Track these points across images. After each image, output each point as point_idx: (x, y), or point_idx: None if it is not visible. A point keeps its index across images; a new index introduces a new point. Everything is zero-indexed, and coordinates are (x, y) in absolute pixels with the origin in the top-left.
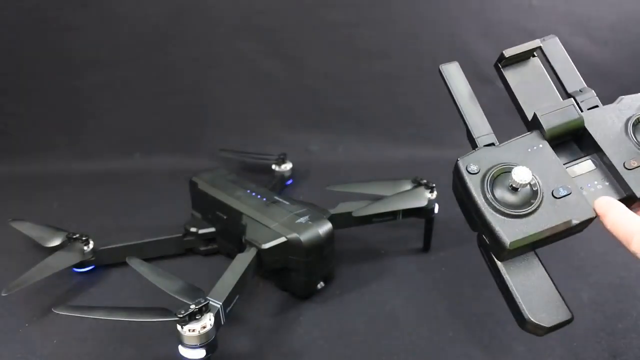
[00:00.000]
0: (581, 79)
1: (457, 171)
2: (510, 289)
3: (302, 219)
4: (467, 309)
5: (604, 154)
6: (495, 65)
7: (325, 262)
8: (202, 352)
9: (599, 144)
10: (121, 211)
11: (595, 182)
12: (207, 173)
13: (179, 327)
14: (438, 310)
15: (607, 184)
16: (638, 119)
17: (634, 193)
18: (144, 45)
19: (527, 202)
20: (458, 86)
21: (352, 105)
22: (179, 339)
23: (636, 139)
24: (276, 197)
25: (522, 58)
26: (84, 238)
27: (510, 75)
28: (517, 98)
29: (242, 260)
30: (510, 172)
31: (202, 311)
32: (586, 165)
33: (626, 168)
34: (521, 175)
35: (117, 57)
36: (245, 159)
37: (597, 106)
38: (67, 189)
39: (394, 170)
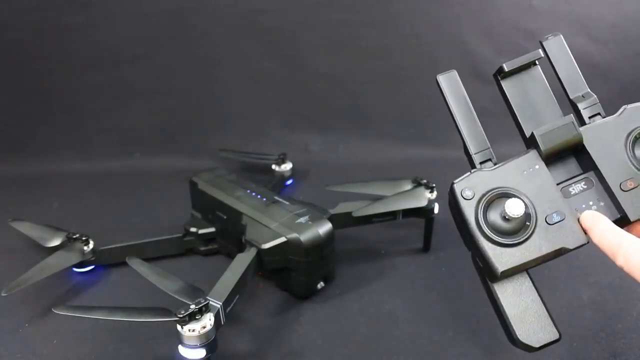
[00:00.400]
0: (584, 82)
1: (452, 195)
2: (502, 309)
3: (302, 219)
4: (467, 309)
5: (602, 175)
6: (494, 77)
7: (325, 262)
8: (202, 352)
9: (596, 162)
10: (121, 211)
11: (591, 203)
12: (207, 173)
13: (179, 327)
14: (438, 310)
15: (602, 204)
16: (639, 134)
17: (627, 216)
18: (144, 45)
19: (520, 230)
20: (456, 98)
21: (352, 105)
22: (179, 339)
23: (635, 156)
24: (276, 197)
25: (523, 68)
26: (84, 238)
27: (509, 87)
28: (516, 113)
29: (242, 260)
30: (504, 197)
31: (202, 311)
32: (583, 184)
33: (622, 190)
34: (514, 208)
35: (117, 57)
36: (245, 159)
37: (599, 114)
38: (67, 189)
39: (394, 170)
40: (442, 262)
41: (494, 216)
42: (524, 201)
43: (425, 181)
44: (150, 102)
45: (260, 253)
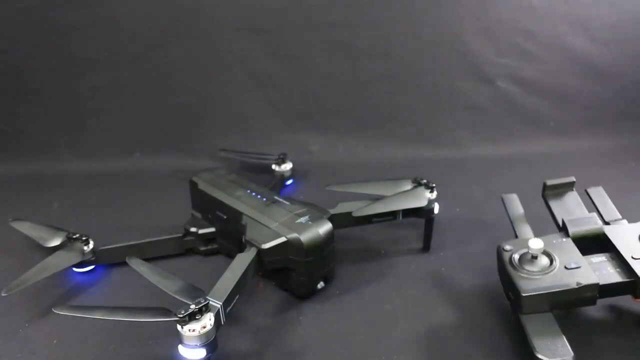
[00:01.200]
0: (618, 212)
1: (497, 251)
2: (527, 332)
3: (302, 219)
4: (467, 309)
5: (618, 250)
6: (542, 195)
7: (325, 262)
8: (202, 352)
9: (613, 242)
10: (121, 211)
11: (608, 268)
12: (207, 173)
13: (179, 327)
14: (438, 310)
15: (618, 270)
16: None
17: (637, 274)
18: (144, 45)
19: (543, 269)
20: (516, 211)
21: (352, 105)
22: (179, 339)
23: None
24: (276, 197)
25: (562, 189)
26: (84, 238)
27: (552, 200)
28: (554, 212)
29: (242, 260)
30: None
31: (202, 311)
32: (602, 257)
33: (633, 258)
34: (535, 243)
35: (117, 57)
36: (245, 159)
37: None
38: (67, 189)
39: (394, 170)
40: (442, 262)
41: (525, 262)
42: (546, 247)
43: (425, 181)
44: (150, 102)
45: (260, 253)
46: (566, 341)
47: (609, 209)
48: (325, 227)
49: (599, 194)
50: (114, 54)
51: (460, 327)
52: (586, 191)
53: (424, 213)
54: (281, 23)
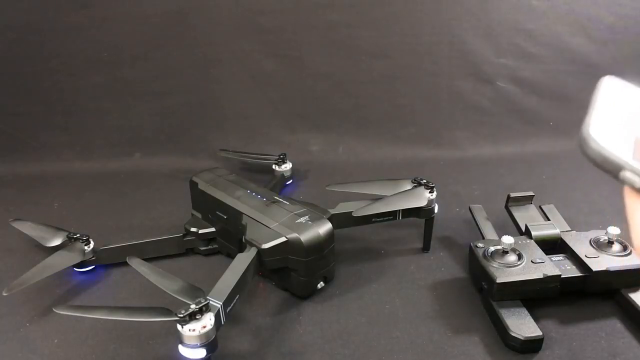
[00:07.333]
0: (567, 225)
1: (470, 249)
2: (500, 316)
3: (302, 219)
4: (467, 309)
5: (574, 251)
6: (506, 206)
7: (325, 262)
8: (202, 352)
9: (569, 245)
10: (121, 211)
11: (567, 265)
12: (207, 173)
13: (179, 326)
14: (438, 310)
15: (575, 266)
16: (597, 237)
17: (591, 269)
18: (144, 46)
19: (514, 262)
20: (482, 217)
21: (352, 105)
22: (179, 339)
23: (596, 246)
24: (276, 197)
25: (522, 201)
26: (84, 238)
27: (514, 209)
28: (516, 219)
29: (242, 260)
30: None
31: (202, 311)
32: (560, 257)
33: (587, 257)
34: (507, 239)
35: (117, 58)
36: (245, 159)
37: None
38: (67, 189)
39: (394, 170)
40: (442, 262)
41: (497, 255)
42: (515, 241)
43: (425, 181)
44: (150, 102)
45: (261, 253)
46: (534, 321)
47: (561, 221)
48: (325, 227)
49: (551, 210)
50: (114, 54)
51: (460, 326)
52: (540, 207)
53: (424, 213)
54: (282, 23)
